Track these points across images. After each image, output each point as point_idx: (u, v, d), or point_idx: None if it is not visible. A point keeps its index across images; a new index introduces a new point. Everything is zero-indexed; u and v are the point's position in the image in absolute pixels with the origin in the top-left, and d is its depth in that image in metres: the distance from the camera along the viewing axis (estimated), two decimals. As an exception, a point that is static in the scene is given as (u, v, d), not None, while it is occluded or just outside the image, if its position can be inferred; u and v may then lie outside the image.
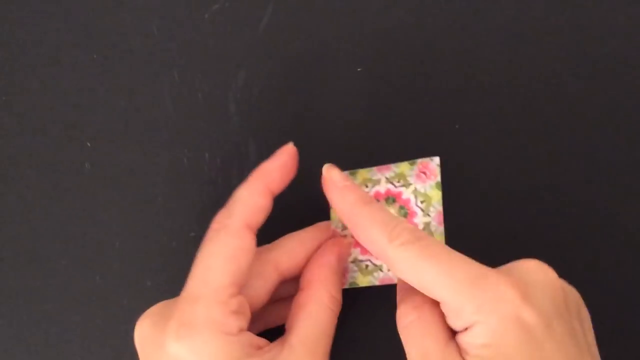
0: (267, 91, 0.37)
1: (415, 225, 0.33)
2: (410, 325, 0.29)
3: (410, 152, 0.36)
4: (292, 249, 0.32)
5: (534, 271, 0.27)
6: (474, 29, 0.37)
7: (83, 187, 0.37)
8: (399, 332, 0.30)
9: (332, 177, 0.31)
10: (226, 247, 0.29)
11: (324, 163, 0.34)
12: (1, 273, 0.37)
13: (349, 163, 0.34)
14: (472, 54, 0.37)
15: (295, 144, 0.37)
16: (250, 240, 0.29)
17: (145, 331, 0.29)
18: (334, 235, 0.33)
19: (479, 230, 0.36)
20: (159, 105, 0.37)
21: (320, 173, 0.32)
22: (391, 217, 0.29)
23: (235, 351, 0.28)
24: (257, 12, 0.37)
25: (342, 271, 0.32)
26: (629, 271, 0.36)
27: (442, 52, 0.37)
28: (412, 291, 0.29)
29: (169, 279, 0.37)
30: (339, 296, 0.31)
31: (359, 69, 0.37)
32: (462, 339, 0.27)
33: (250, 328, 0.30)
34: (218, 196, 0.37)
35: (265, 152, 0.37)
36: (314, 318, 0.30)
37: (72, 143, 0.37)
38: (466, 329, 0.26)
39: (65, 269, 0.37)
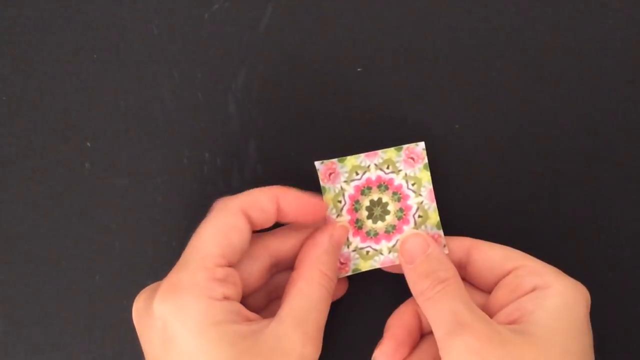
0: (267, 91, 0.37)
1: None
2: (437, 295, 0.30)
3: (410, 152, 0.36)
4: (283, 232, 0.33)
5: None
6: (474, 29, 0.37)
7: (83, 187, 0.37)
8: (421, 306, 0.31)
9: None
10: (219, 223, 0.30)
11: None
12: (1, 273, 0.37)
13: (349, 163, 0.34)
14: (472, 54, 0.37)
15: (295, 144, 0.37)
16: (244, 221, 0.31)
17: (139, 304, 0.30)
18: (328, 221, 0.34)
19: (479, 229, 0.36)
20: (159, 105, 0.37)
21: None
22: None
23: (218, 315, 0.28)
24: (257, 12, 0.37)
25: (335, 251, 0.33)
26: (628, 271, 0.36)
27: (442, 52, 0.37)
28: (434, 271, 0.31)
29: (169, 279, 0.37)
30: (330, 274, 0.32)
31: (359, 69, 0.37)
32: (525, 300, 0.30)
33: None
34: (218, 196, 0.36)
35: (266, 152, 0.37)
36: (303, 293, 0.31)
37: (72, 143, 0.37)
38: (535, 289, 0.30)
39: (65, 269, 0.37)
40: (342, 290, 0.35)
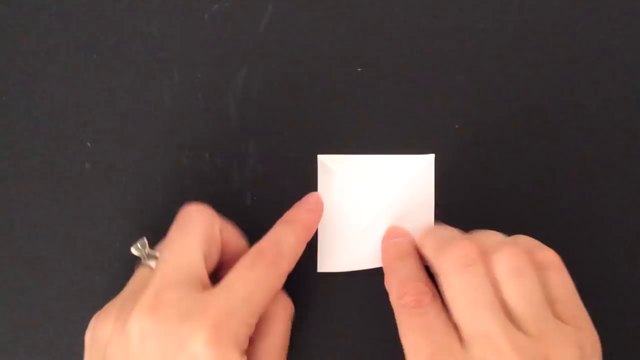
0: (267, 91, 0.37)
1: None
2: None
3: (409, 152, 0.36)
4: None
5: None
6: (474, 29, 0.37)
7: (83, 187, 0.37)
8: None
9: (388, 232, 0.35)
10: (273, 285, 0.31)
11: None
12: (1, 273, 0.37)
13: (349, 163, 0.34)
14: (472, 54, 0.37)
15: (295, 144, 0.37)
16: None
17: (109, 323, 0.30)
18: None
19: (480, 229, 0.36)
20: (159, 105, 0.37)
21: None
22: (410, 275, 0.32)
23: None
24: (257, 12, 0.37)
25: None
26: (628, 272, 0.36)
27: (442, 52, 0.37)
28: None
29: (169, 279, 0.37)
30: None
31: (359, 69, 0.37)
32: None
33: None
34: (218, 196, 0.37)
35: (265, 152, 0.37)
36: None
37: (72, 143, 0.37)
38: None
39: (65, 269, 0.37)
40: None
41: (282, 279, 0.31)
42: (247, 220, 0.36)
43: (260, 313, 0.30)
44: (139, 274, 0.32)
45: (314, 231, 0.34)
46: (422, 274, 0.32)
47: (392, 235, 0.35)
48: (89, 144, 0.37)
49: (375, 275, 0.35)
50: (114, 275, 0.37)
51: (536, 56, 0.37)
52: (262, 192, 0.37)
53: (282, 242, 0.32)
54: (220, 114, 0.37)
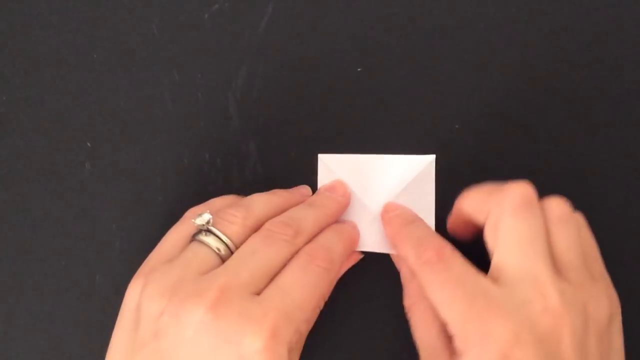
0: (267, 91, 0.37)
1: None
2: (413, 306, 0.31)
3: (410, 152, 0.36)
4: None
5: (532, 300, 0.27)
6: (474, 29, 0.37)
7: (83, 187, 0.37)
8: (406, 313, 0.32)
9: (386, 207, 0.35)
10: (323, 294, 0.30)
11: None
12: (1, 273, 0.37)
13: (349, 163, 0.34)
14: (472, 54, 0.37)
15: (295, 144, 0.37)
16: None
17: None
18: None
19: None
20: (159, 105, 0.37)
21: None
22: (425, 235, 0.31)
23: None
24: (257, 12, 0.37)
25: None
26: (628, 272, 0.36)
27: (442, 52, 0.37)
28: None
29: (169, 279, 0.37)
30: None
31: (359, 69, 0.37)
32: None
33: None
34: (218, 196, 0.37)
35: (265, 152, 0.37)
36: None
37: (72, 143, 0.37)
38: (457, 353, 0.28)
39: (65, 269, 0.37)
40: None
41: (331, 288, 0.30)
42: (247, 220, 0.36)
43: (312, 322, 0.29)
44: (199, 251, 0.30)
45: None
46: (435, 233, 0.31)
47: (392, 209, 0.34)
48: (89, 144, 0.37)
49: (375, 275, 0.35)
50: (114, 275, 0.37)
51: (536, 56, 0.37)
52: (262, 192, 0.37)
53: (333, 249, 0.31)
54: (220, 114, 0.37)
